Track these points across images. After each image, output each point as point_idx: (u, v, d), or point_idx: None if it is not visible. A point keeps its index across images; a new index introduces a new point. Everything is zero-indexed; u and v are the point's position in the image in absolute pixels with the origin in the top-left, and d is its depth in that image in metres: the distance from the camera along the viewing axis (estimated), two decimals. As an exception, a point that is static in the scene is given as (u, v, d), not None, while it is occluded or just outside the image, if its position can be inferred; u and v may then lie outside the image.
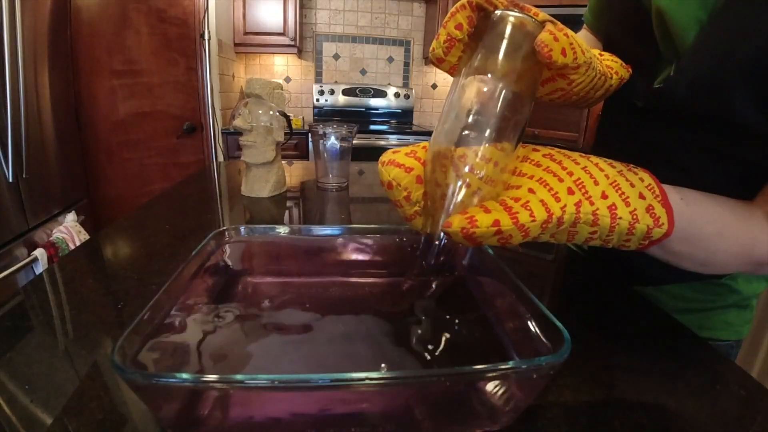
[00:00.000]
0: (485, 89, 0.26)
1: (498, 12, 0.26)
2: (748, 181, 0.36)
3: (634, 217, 0.27)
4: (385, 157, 0.29)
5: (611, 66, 0.37)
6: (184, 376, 0.19)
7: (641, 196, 0.27)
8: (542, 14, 0.26)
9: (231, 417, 0.22)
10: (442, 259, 0.29)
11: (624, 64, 0.38)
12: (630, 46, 0.42)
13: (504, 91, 0.26)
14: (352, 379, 0.20)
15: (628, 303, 0.47)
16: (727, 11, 0.33)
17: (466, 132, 0.26)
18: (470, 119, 0.26)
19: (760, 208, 0.33)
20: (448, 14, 0.27)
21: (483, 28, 0.27)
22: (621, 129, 0.50)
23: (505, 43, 0.26)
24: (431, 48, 0.29)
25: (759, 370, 1.26)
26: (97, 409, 0.26)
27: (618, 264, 0.53)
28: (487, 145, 0.25)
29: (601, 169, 0.27)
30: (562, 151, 0.28)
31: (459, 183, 0.26)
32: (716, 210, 0.32)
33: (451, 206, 0.26)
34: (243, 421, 0.22)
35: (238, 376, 0.20)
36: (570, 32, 0.25)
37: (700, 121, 0.39)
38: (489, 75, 0.26)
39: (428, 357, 0.28)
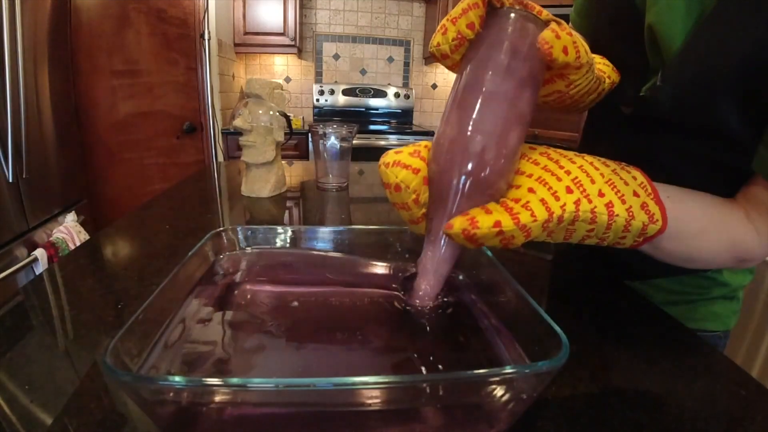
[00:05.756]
0: (488, 88, 0.26)
1: (503, 9, 0.26)
2: (729, 183, 0.37)
3: (630, 214, 0.27)
4: (388, 159, 0.28)
5: (603, 70, 0.37)
6: (177, 378, 0.19)
7: (635, 194, 0.28)
8: (546, 13, 0.26)
9: (225, 420, 0.22)
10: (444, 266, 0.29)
11: (615, 68, 0.38)
12: (619, 51, 0.42)
13: (507, 90, 0.26)
14: (352, 384, 0.20)
15: (620, 297, 0.47)
16: (712, 21, 0.33)
17: (470, 131, 0.25)
18: (474, 118, 0.26)
19: (740, 206, 0.35)
20: (459, 10, 0.26)
21: (487, 24, 0.27)
22: (606, 132, 0.51)
23: (508, 40, 0.26)
24: (435, 43, 0.27)
25: (759, 370, 1.26)
26: (97, 409, 0.26)
27: (607, 259, 0.53)
28: (490, 144, 0.25)
29: (597, 168, 0.28)
30: (558, 150, 0.29)
31: (462, 183, 0.26)
32: (700, 208, 0.33)
33: (454, 207, 0.26)
34: (237, 424, 0.22)
35: (233, 380, 0.20)
36: (575, 32, 0.25)
37: (684, 128, 0.40)
38: (491, 73, 0.26)
39: (427, 361, 0.28)
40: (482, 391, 0.22)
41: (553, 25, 0.25)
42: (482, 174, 0.25)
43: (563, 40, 0.24)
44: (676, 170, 0.40)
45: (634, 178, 0.29)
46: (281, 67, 2.85)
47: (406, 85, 3.02)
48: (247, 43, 2.46)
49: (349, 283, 0.37)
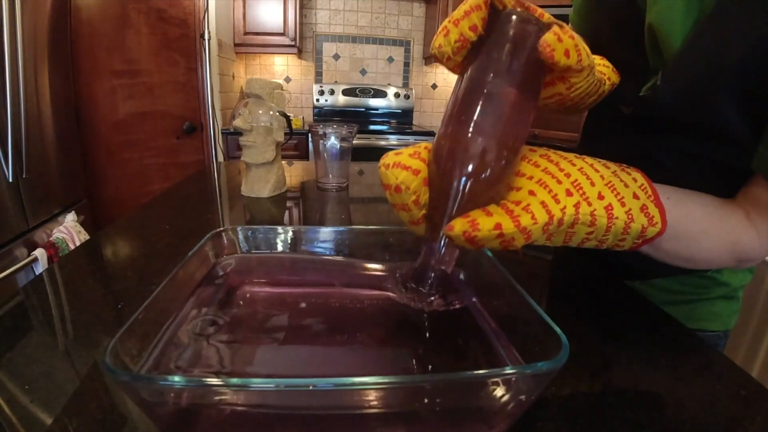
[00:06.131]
0: (490, 90, 0.26)
1: (505, 11, 0.26)
2: (729, 183, 0.37)
3: (630, 216, 0.27)
4: (388, 160, 0.28)
5: (603, 71, 0.37)
6: (176, 378, 0.19)
7: (635, 196, 0.28)
8: (548, 16, 0.26)
9: (225, 420, 0.22)
10: (443, 267, 0.29)
11: (615, 69, 0.38)
12: (619, 51, 0.42)
13: (508, 92, 0.26)
14: (352, 384, 0.20)
15: (620, 297, 0.47)
16: (712, 20, 0.33)
17: (471, 133, 0.25)
18: (475, 120, 0.25)
19: (740, 206, 0.35)
20: (461, 12, 0.26)
21: (489, 26, 0.26)
22: (606, 133, 0.51)
23: (510, 43, 0.26)
24: (437, 44, 0.27)
25: (759, 370, 1.26)
26: (97, 409, 0.26)
27: (607, 259, 0.53)
28: (491, 146, 0.25)
29: (596, 170, 0.28)
30: (558, 151, 0.29)
31: (463, 184, 0.26)
32: (700, 209, 0.33)
33: (455, 208, 0.26)
34: (237, 424, 0.22)
35: (233, 380, 0.20)
36: (576, 35, 0.25)
37: (684, 127, 0.40)
38: (493, 75, 0.26)
39: (426, 361, 0.28)
40: (482, 392, 0.22)
41: (555, 27, 0.25)
42: (483, 176, 0.25)
43: (565, 43, 0.24)
44: (676, 170, 0.40)
45: (634, 179, 0.29)
46: (281, 67, 2.84)
47: (406, 85, 3.02)
48: (247, 43, 2.46)
49: (349, 284, 0.37)
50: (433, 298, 0.31)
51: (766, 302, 1.26)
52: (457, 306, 0.33)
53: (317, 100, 2.81)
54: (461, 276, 0.37)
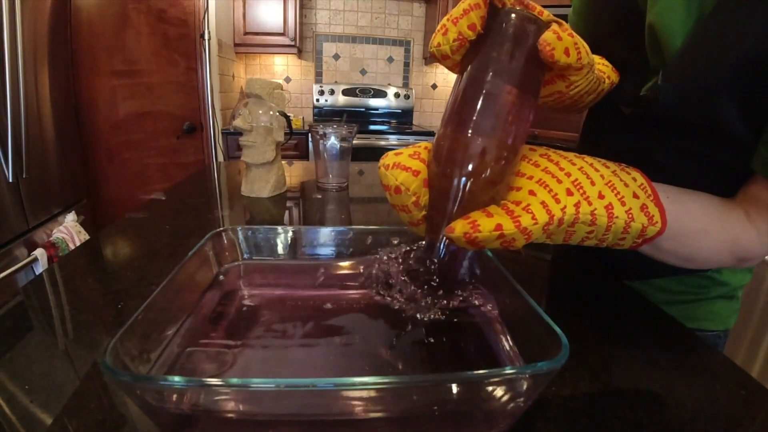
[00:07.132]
0: (489, 89, 0.26)
1: (505, 9, 0.26)
2: (729, 183, 0.37)
3: (630, 216, 0.27)
4: (388, 160, 0.28)
5: (603, 70, 0.37)
6: (176, 378, 0.19)
7: (635, 196, 0.28)
8: (547, 14, 0.26)
9: (225, 420, 0.22)
10: (444, 264, 0.29)
11: (614, 68, 0.38)
12: (619, 51, 0.42)
13: (508, 91, 0.26)
14: (352, 384, 0.20)
15: (620, 297, 0.47)
16: (713, 19, 0.33)
17: (470, 132, 0.25)
18: (474, 120, 0.25)
19: (740, 206, 0.35)
20: (460, 10, 0.26)
21: (488, 25, 0.26)
22: (606, 133, 0.51)
23: (510, 41, 0.26)
24: (436, 43, 0.27)
25: (759, 370, 1.26)
26: (97, 409, 0.26)
27: (606, 259, 0.53)
28: (491, 146, 0.25)
29: (597, 170, 0.28)
30: (558, 151, 0.29)
31: (462, 184, 0.26)
32: (700, 208, 0.33)
33: (455, 209, 0.26)
34: (237, 424, 0.22)
35: (233, 380, 0.20)
36: (575, 33, 0.25)
37: (684, 127, 0.40)
38: (492, 74, 0.26)
39: (426, 362, 0.28)
40: (482, 392, 0.22)
41: (554, 26, 0.25)
42: (483, 176, 0.25)
43: (565, 41, 0.24)
44: (675, 170, 0.40)
45: (634, 179, 0.29)
46: (281, 67, 2.84)
47: (406, 85, 3.02)
48: (247, 43, 2.45)
49: (347, 286, 0.37)
50: (432, 300, 0.31)
51: (766, 302, 1.26)
52: (450, 300, 0.33)
53: (317, 100, 2.81)
54: (459, 277, 0.37)
